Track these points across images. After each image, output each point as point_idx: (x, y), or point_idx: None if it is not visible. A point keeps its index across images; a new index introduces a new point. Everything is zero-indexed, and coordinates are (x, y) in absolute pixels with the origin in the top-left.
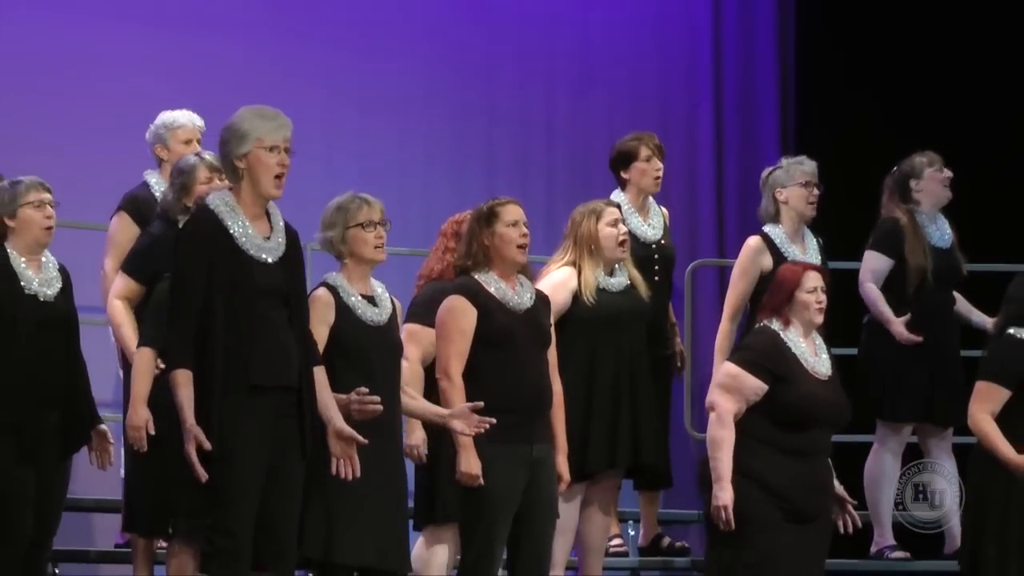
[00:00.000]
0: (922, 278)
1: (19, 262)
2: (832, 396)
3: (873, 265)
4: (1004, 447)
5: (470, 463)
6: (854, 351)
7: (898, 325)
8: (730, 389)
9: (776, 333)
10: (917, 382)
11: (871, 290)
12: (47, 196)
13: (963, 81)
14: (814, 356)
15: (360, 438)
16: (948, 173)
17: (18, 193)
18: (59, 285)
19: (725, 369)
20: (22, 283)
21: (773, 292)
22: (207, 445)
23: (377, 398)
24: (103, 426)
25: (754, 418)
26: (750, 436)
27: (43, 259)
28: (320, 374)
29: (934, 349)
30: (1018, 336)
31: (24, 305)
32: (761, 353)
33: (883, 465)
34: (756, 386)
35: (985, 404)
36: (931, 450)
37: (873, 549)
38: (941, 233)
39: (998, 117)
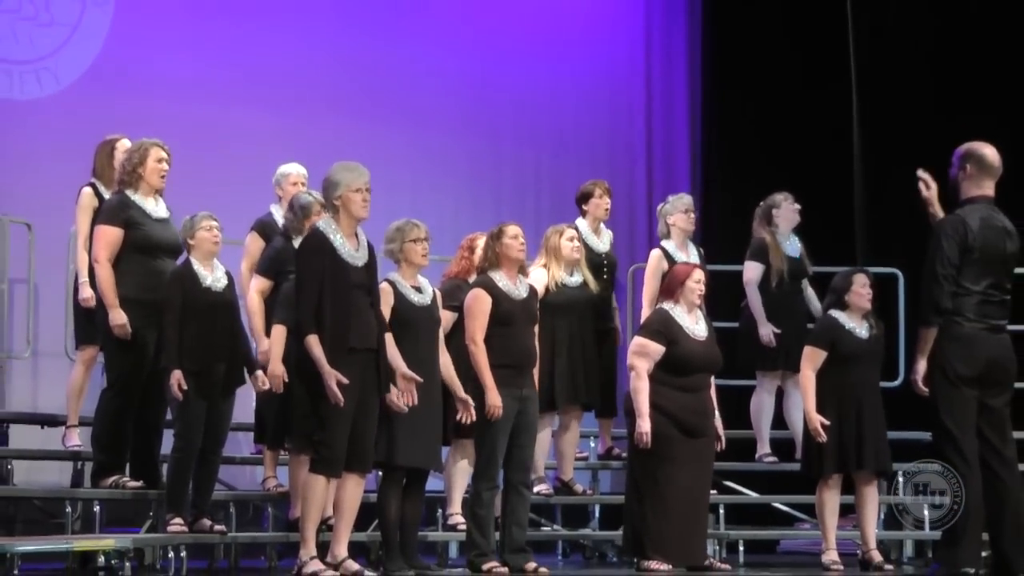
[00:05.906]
0: (781, 277)
1: (198, 267)
2: (707, 351)
3: (753, 272)
4: (810, 403)
5: (496, 399)
6: (736, 324)
7: (765, 330)
8: (641, 354)
9: (668, 311)
10: (781, 345)
11: (754, 293)
12: (215, 224)
13: (820, 138)
14: (695, 324)
15: (418, 378)
16: (798, 206)
17: (195, 222)
18: (225, 281)
19: (636, 340)
20: (199, 280)
21: (670, 281)
22: (345, 381)
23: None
24: (259, 372)
25: (658, 369)
26: (655, 380)
27: (214, 264)
28: (389, 338)
29: (789, 324)
30: (834, 315)
31: (200, 294)
32: (658, 325)
33: (762, 400)
34: (657, 349)
35: (810, 362)
36: (788, 387)
37: (756, 455)
38: (793, 247)
39: (842, 164)
